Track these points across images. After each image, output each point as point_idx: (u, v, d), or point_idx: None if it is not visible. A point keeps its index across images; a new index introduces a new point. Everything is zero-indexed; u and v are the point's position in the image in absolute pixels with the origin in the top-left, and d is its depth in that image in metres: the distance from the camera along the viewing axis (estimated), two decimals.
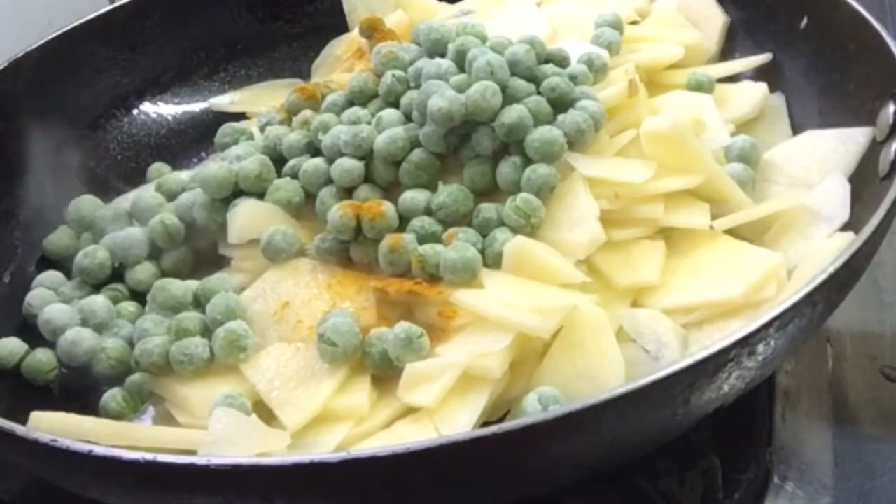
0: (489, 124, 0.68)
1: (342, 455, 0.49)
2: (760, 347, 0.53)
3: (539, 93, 0.69)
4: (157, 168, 0.86)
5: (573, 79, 0.71)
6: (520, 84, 0.69)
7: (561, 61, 0.73)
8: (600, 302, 0.62)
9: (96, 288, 0.74)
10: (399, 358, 0.61)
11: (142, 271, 0.74)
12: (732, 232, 0.66)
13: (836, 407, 0.66)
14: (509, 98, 0.68)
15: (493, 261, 0.65)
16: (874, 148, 0.67)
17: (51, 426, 0.60)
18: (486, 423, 0.59)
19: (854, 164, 0.68)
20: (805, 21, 0.78)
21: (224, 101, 0.93)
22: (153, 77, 0.92)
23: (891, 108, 0.66)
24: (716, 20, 0.83)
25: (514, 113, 0.67)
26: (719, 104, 0.75)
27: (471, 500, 0.56)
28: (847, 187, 0.67)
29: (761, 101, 0.77)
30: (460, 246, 0.64)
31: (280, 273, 0.68)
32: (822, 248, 0.63)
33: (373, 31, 0.83)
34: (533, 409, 0.57)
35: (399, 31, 0.83)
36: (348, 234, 0.68)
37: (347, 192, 0.70)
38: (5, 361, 0.69)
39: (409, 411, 0.60)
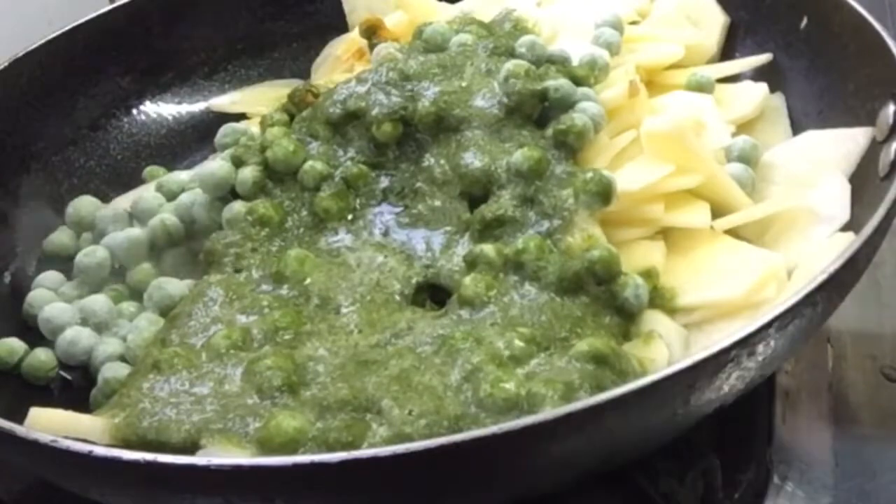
0: None
1: (342, 455, 0.48)
2: (760, 348, 0.53)
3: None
4: (151, 171, 0.86)
5: (574, 80, 0.71)
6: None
7: (562, 62, 0.73)
8: None
9: (96, 288, 0.74)
10: None
11: (142, 271, 0.74)
12: (732, 232, 0.66)
13: (836, 407, 0.66)
14: None
15: None
16: (874, 148, 0.67)
17: (49, 423, 0.60)
18: None
19: (854, 164, 0.68)
20: (805, 21, 0.78)
21: (224, 101, 0.93)
22: (153, 77, 0.92)
23: (891, 108, 0.66)
24: (716, 20, 0.83)
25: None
26: (719, 104, 0.75)
27: (471, 500, 0.56)
28: (847, 187, 0.67)
29: (761, 101, 0.76)
30: None
31: None
32: (822, 249, 0.63)
33: (373, 32, 0.83)
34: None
35: (399, 31, 0.83)
36: None
37: None
38: (5, 361, 0.69)
39: None
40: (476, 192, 0.68)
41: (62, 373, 0.70)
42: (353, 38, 0.88)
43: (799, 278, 0.62)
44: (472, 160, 0.68)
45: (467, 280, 0.64)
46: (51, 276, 0.76)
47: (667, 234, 0.67)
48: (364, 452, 0.49)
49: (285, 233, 0.71)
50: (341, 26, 0.94)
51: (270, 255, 0.69)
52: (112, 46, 0.90)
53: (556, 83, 0.70)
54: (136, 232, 0.75)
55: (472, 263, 0.65)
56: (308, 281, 0.67)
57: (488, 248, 0.65)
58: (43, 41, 0.86)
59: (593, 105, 0.69)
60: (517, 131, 0.69)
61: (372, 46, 0.82)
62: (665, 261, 0.66)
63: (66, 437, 0.53)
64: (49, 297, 0.73)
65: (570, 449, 0.51)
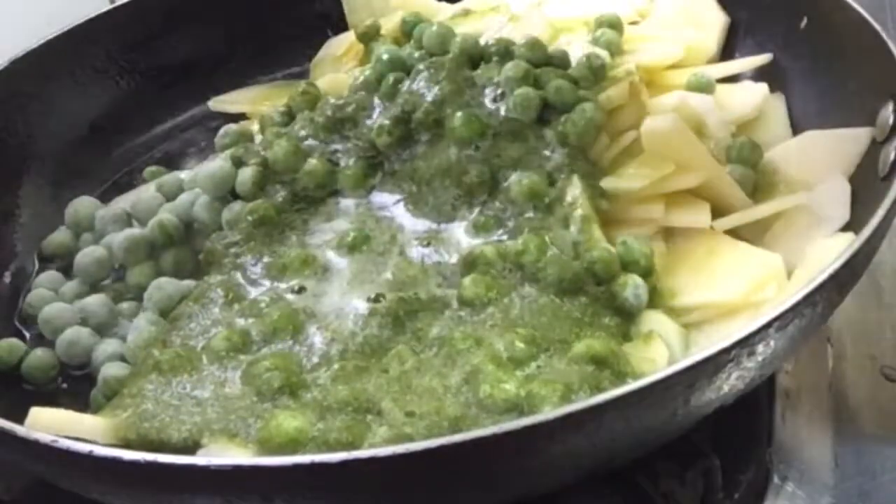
0: None
1: (342, 455, 0.48)
2: (760, 348, 0.53)
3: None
4: (151, 171, 0.85)
5: (574, 80, 0.71)
6: None
7: (562, 63, 0.73)
8: None
9: (96, 288, 0.74)
10: None
11: (142, 271, 0.74)
12: (732, 232, 0.67)
13: (836, 407, 0.66)
14: None
15: None
16: (874, 148, 0.67)
17: (49, 423, 0.60)
18: None
19: (854, 164, 0.68)
20: (805, 21, 0.78)
21: (224, 101, 0.93)
22: (153, 77, 0.92)
23: (891, 108, 0.66)
24: (716, 20, 0.83)
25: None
26: (719, 104, 0.75)
27: (471, 500, 0.56)
28: (847, 187, 0.67)
29: (761, 101, 0.76)
30: None
31: None
32: (822, 249, 0.63)
33: (369, 39, 0.83)
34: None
35: (399, 32, 0.83)
36: None
37: None
38: (5, 361, 0.69)
39: None
40: (475, 193, 0.69)
41: (62, 374, 0.70)
42: (352, 38, 0.88)
43: (799, 278, 0.62)
44: (471, 168, 0.69)
45: (467, 281, 0.64)
46: (51, 276, 0.76)
47: (667, 234, 0.67)
48: (364, 452, 0.49)
49: (285, 233, 0.71)
50: (341, 25, 0.94)
51: (271, 256, 0.69)
52: (112, 46, 0.90)
53: (556, 84, 0.70)
54: (135, 232, 0.75)
55: (472, 264, 0.65)
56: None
57: (488, 249, 0.65)
58: (43, 41, 0.86)
59: (593, 105, 0.69)
60: (517, 133, 0.69)
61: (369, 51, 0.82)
62: (665, 261, 0.66)
63: (66, 437, 0.53)
64: (49, 297, 0.73)
65: (570, 449, 0.51)
